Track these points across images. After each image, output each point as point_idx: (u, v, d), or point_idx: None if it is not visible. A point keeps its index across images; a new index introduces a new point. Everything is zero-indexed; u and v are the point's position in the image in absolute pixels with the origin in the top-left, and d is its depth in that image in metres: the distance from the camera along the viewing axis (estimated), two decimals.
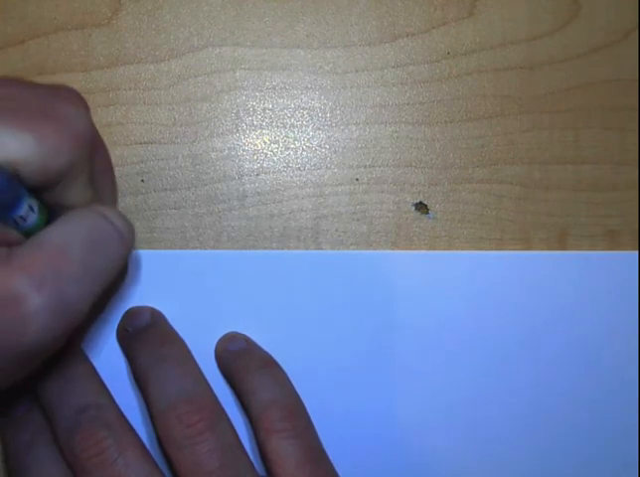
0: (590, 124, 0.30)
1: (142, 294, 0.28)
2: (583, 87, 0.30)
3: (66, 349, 0.26)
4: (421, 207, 0.30)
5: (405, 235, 0.29)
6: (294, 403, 0.26)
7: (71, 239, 0.19)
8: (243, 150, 0.29)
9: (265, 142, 0.29)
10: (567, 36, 0.30)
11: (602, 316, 0.29)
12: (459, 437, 0.29)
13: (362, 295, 0.28)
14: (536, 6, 0.30)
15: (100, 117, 0.29)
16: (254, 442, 0.26)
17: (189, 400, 0.24)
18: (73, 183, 0.20)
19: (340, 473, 0.26)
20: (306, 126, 0.30)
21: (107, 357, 0.27)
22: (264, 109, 0.29)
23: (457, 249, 0.29)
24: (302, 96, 0.30)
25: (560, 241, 0.30)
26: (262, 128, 0.29)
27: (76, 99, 0.21)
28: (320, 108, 0.30)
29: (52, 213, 0.21)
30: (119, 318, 0.28)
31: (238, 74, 0.29)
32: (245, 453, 0.25)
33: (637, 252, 0.29)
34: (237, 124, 0.29)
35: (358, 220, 0.29)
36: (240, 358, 0.27)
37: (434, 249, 0.29)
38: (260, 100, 0.29)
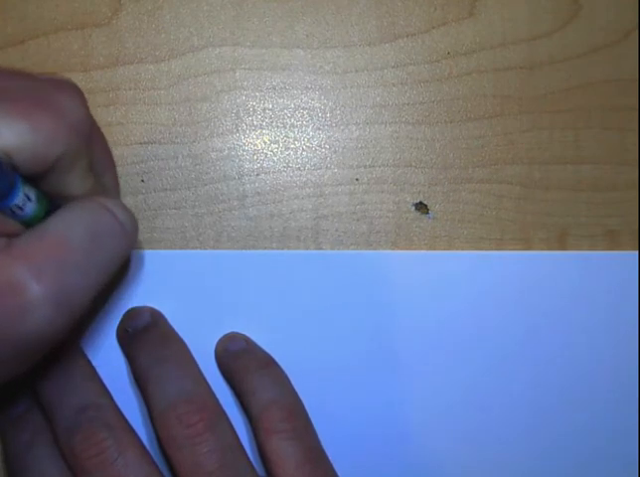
0: (590, 124, 0.30)
1: (142, 294, 0.28)
2: (583, 87, 0.30)
3: (65, 348, 0.26)
4: (421, 207, 0.30)
5: (405, 235, 0.29)
6: (294, 404, 0.26)
7: (72, 230, 0.19)
8: (243, 150, 0.29)
9: (265, 142, 0.29)
10: (567, 36, 0.30)
11: (602, 316, 0.29)
12: (459, 437, 0.29)
13: (362, 295, 0.28)
14: (536, 6, 0.30)
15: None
16: (254, 442, 0.26)
17: (189, 401, 0.24)
18: (70, 172, 0.20)
19: (340, 473, 0.26)
20: (306, 126, 0.30)
21: (107, 357, 0.27)
22: (264, 109, 0.29)
23: (457, 249, 0.29)
24: (302, 96, 0.30)
25: (560, 241, 0.30)
26: (262, 128, 0.29)
27: (72, 90, 0.21)
28: (320, 108, 0.30)
29: (53, 203, 0.21)
30: (119, 318, 0.28)
31: (238, 74, 0.29)
32: (245, 454, 0.25)
33: (637, 252, 0.29)
34: (237, 124, 0.29)
35: (358, 220, 0.29)
36: (240, 358, 0.27)
37: (434, 249, 0.29)
38: (260, 100, 0.29)
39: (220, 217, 0.29)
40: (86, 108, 0.21)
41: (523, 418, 0.29)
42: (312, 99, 0.30)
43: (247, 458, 0.25)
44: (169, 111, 0.29)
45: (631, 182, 0.30)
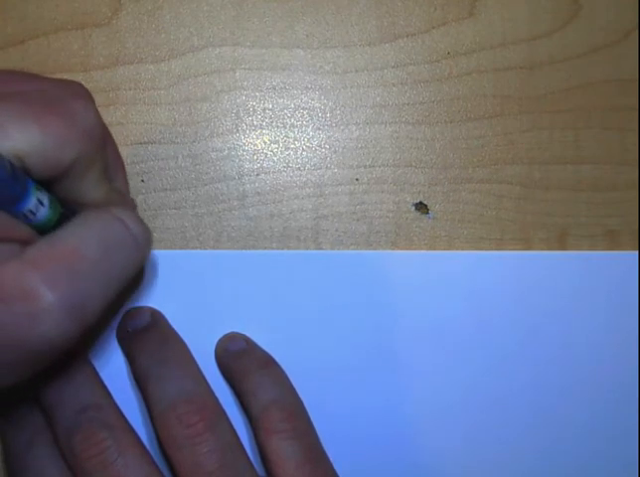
0: (590, 124, 0.30)
1: (142, 294, 0.28)
2: (583, 87, 0.30)
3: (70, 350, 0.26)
4: (421, 207, 0.30)
5: (405, 235, 0.29)
6: (294, 404, 0.26)
7: (85, 240, 0.19)
8: (243, 150, 0.29)
9: (265, 142, 0.29)
10: (567, 36, 0.30)
11: (602, 316, 0.29)
12: (459, 437, 0.29)
13: (362, 295, 0.28)
14: (536, 6, 0.30)
15: None
16: (254, 442, 0.26)
17: (189, 401, 0.24)
18: (84, 178, 0.20)
19: (340, 473, 0.26)
20: (306, 126, 0.30)
21: (107, 357, 0.27)
22: (264, 109, 0.29)
23: (457, 249, 0.29)
24: (302, 96, 0.30)
25: (560, 241, 0.30)
26: (262, 128, 0.29)
27: (83, 94, 0.21)
28: (320, 108, 0.30)
29: (68, 209, 0.21)
30: (119, 318, 0.28)
31: (238, 74, 0.29)
32: (245, 454, 0.25)
33: (637, 252, 0.29)
34: (237, 124, 0.29)
35: (358, 220, 0.29)
36: (240, 358, 0.27)
37: (434, 249, 0.29)
38: (260, 100, 0.29)
39: (220, 217, 0.29)
40: (96, 112, 0.21)
41: (523, 418, 0.29)
42: (312, 99, 0.30)
43: (247, 458, 0.25)
44: (169, 111, 0.29)
45: (631, 182, 0.30)
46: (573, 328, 0.29)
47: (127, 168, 0.29)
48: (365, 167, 0.30)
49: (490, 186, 0.30)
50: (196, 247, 0.29)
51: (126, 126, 0.29)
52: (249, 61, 0.29)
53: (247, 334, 0.28)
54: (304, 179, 0.29)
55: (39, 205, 0.19)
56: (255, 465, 0.26)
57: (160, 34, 0.29)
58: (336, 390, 0.28)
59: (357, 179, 0.29)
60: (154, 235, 0.29)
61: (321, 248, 0.29)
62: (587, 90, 0.30)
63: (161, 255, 0.28)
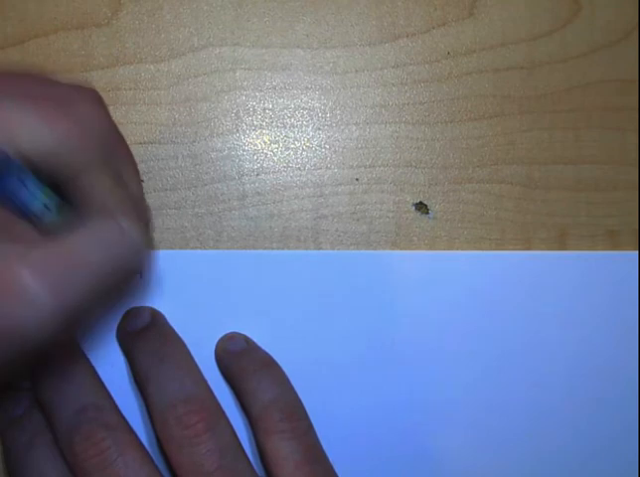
0: (590, 124, 0.30)
1: (142, 294, 0.28)
2: (583, 87, 0.30)
3: (65, 349, 0.26)
4: (421, 207, 0.30)
5: (405, 235, 0.29)
6: (294, 404, 0.26)
7: (84, 245, 0.19)
8: (243, 150, 0.29)
9: (265, 142, 0.29)
10: (567, 36, 0.30)
11: (602, 316, 0.29)
12: (460, 437, 0.29)
13: (362, 295, 0.28)
14: (536, 6, 0.30)
15: None
16: (254, 443, 0.26)
17: (188, 401, 0.24)
18: (94, 181, 0.20)
19: (340, 473, 0.26)
20: (306, 126, 0.30)
21: (107, 357, 0.27)
22: (264, 109, 0.29)
23: (457, 249, 0.29)
24: (302, 96, 0.30)
25: (560, 241, 0.30)
26: (262, 128, 0.29)
27: (96, 98, 0.21)
28: (320, 108, 0.30)
29: (81, 212, 0.21)
30: (119, 318, 0.28)
31: (238, 74, 0.29)
32: (245, 454, 0.25)
33: (637, 252, 0.29)
34: (237, 124, 0.29)
35: (358, 220, 0.29)
36: (240, 358, 0.27)
37: (434, 249, 0.29)
38: (260, 100, 0.29)
39: (220, 217, 0.29)
40: (110, 118, 0.21)
41: (523, 418, 0.29)
42: (312, 99, 0.30)
43: (247, 458, 0.25)
44: (169, 111, 0.29)
45: (631, 182, 0.30)
46: (574, 328, 0.29)
47: None
48: (365, 167, 0.30)
49: (490, 186, 0.30)
50: (196, 247, 0.29)
51: (126, 126, 0.29)
52: (249, 61, 0.29)
53: (247, 334, 0.28)
54: (304, 179, 0.29)
55: (45, 210, 0.20)
56: (255, 465, 0.26)
57: (160, 34, 0.29)
58: (336, 389, 0.28)
59: (357, 179, 0.29)
60: (154, 235, 0.29)
61: (321, 248, 0.29)
62: (587, 90, 0.30)
63: (161, 255, 0.28)
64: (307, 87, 0.30)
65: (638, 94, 0.30)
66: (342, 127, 0.30)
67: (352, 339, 0.28)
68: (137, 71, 0.29)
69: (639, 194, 0.30)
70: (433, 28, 0.30)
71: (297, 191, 0.29)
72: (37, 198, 0.19)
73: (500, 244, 0.30)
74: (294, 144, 0.29)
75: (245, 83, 0.29)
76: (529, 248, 0.30)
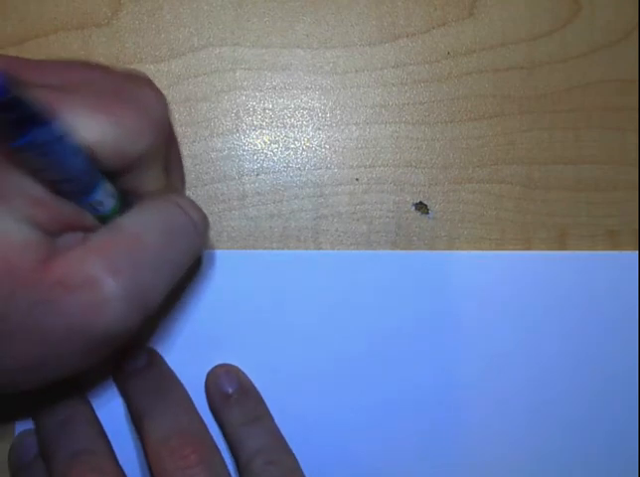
0: (590, 124, 0.30)
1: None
2: (583, 87, 0.30)
3: (66, 391, 0.26)
4: (421, 207, 0.30)
5: (405, 235, 0.29)
6: (280, 452, 0.26)
7: (147, 228, 0.19)
8: (243, 150, 0.29)
9: (265, 142, 0.29)
10: (567, 36, 0.30)
11: (602, 316, 0.29)
12: (460, 437, 0.29)
13: (362, 295, 0.28)
14: (536, 6, 0.30)
15: None
16: None
17: (182, 435, 0.24)
18: (149, 170, 0.20)
19: (339, 472, 0.26)
20: (306, 126, 0.30)
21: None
22: (264, 109, 0.29)
23: (457, 249, 0.29)
24: (302, 96, 0.30)
25: (560, 241, 0.30)
26: (262, 128, 0.29)
27: (152, 86, 0.20)
28: (320, 108, 0.30)
29: (125, 200, 0.21)
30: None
31: (238, 74, 0.29)
32: None
33: (637, 252, 0.29)
34: (237, 124, 0.29)
35: (358, 220, 0.29)
36: (231, 409, 0.27)
37: (434, 249, 0.29)
38: (260, 100, 0.29)
39: (220, 217, 0.29)
40: (167, 105, 0.20)
41: (522, 418, 0.29)
42: (312, 99, 0.30)
43: None
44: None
45: (631, 182, 0.30)
46: (573, 328, 0.29)
47: None
48: (365, 167, 0.30)
49: (490, 186, 0.30)
50: None
51: None
52: (249, 61, 0.29)
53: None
54: (304, 179, 0.29)
55: (107, 196, 0.19)
56: None
57: (160, 34, 0.29)
58: (336, 389, 0.28)
59: (357, 179, 0.29)
60: None
61: (321, 248, 0.29)
62: (587, 90, 0.30)
63: None
64: (307, 87, 0.30)
65: (638, 94, 0.30)
66: (342, 127, 0.30)
67: (352, 339, 0.28)
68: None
69: (639, 194, 0.30)
70: (433, 28, 0.30)
71: (297, 191, 0.29)
72: (100, 186, 0.19)
73: (500, 244, 0.30)
74: (294, 144, 0.29)
75: (245, 83, 0.29)
76: (529, 248, 0.30)
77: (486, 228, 0.30)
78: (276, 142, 0.29)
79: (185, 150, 0.29)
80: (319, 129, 0.30)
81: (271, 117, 0.29)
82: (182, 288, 0.28)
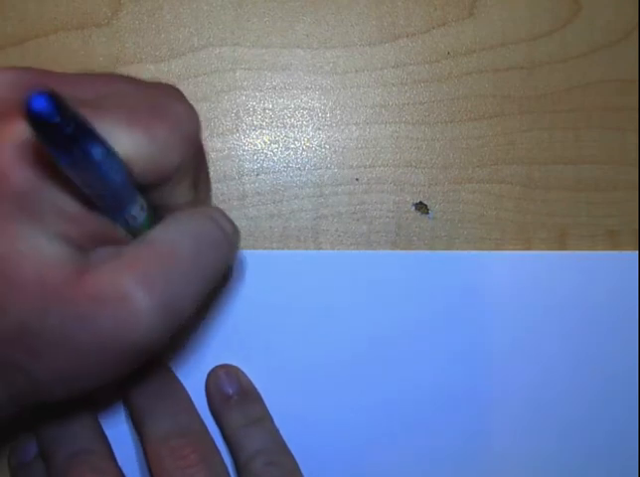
0: (590, 124, 0.30)
1: None
2: (583, 87, 0.30)
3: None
4: (421, 207, 0.30)
5: (405, 235, 0.29)
6: (280, 454, 0.26)
7: (179, 240, 0.19)
8: (243, 150, 0.29)
9: (265, 142, 0.29)
10: (567, 36, 0.30)
11: (602, 316, 0.29)
12: (459, 437, 0.29)
13: (362, 295, 0.28)
14: (536, 6, 0.30)
15: None
16: None
17: (182, 435, 0.25)
18: (179, 184, 0.20)
19: (339, 471, 0.26)
20: (306, 126, 0.30)
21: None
22: (264, 109, 0.29)
23: (457, 249, 0.29)
24: (302, 96, 0.30)
25: (560, 241, 0.30)
26: (262, 128, 0.29)
27: (184, 99, 0.20)
28: (320, 108, 0.30)
29: (155, 213, 0.21)
30: None
31: (238, 74, 0.29)
32: None
33: (637, 252, 0.29)
34: (237, 124, 0.29)
35: (358, 220, 0.29)
36: (231, 411, 0.27)
37: (434, 249, 0.29)
38: (260, 100, 0.29)
39: None
40: (198, 118, 0.20)
41: (522, 419, 0.29)
42: (312, 99, 0.30)
43: None
44: None
45: (631, 182, 0.30)
46: (573, 328, 0.29)
47: None
48: (365, 167, 0.30)
49: (490, 186, 0.30)
50: None
51: None
52: (249, 61, 0.29)
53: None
54: (304, 179, 0.29)
55: (140, 210, 0.19)
56: None
57: (160, 34, 0.29)
58: (336, 389, 0.28)
59: (357, 179, 0.29)
60: None
61: (321, 248, 0.29)
62: (587, 90, 0.30)
63: None
64: (307, 87, 0.30)
65: (638, 94, 0.30)
66: (342, 127, 0.30)
67: (352, 339, 0.28)
68: (137, 71, 0.29)
69: (639, 194, 0.30)
70: (433, 28, 0.30)
71: (297, 191, 0.29)
72: (135, 200, 0.19)
73: (500, 244, 0.30)
74: (294, 144, 0.29)
75: (245, 83, 0.29)
76: (529, 248, 0.30)
77: (486, 228, 0.30)
78: (276, 142, 0.29)
79: None
80: (319, 129, 0.30)
81: (271, 117, 0.29)
82: None
